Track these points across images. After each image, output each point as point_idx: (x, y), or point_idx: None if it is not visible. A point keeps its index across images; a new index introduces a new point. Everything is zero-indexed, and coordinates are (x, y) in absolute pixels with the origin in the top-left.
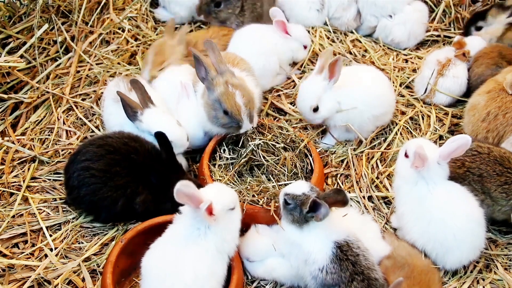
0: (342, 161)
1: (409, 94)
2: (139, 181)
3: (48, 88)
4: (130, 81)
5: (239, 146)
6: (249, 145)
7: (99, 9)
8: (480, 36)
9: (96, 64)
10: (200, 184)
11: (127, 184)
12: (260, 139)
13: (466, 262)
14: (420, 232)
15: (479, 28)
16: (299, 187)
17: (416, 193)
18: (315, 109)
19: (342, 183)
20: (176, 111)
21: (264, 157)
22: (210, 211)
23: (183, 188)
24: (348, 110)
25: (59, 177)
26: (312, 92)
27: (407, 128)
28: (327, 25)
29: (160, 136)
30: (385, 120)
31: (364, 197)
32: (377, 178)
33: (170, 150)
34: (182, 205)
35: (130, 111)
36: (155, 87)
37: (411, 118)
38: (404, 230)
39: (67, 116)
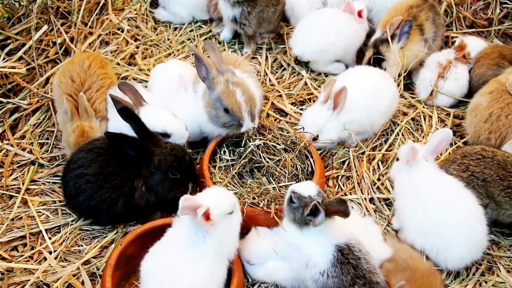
0: (343, 162)
1: (411, 96)
2: (134, 176)
3: (47, 93)
4: (119, 84)
5: (240, 147)
6: (250, 145)
7: (98, 9)
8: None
9: None
10: (188, 156)
11: (123, 182)
12: (261, 140)
13: (468, 260)
14: (418, 229)
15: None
16: (307, 189)
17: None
18: (314, 139)
19: (343, 185)
20: (174, 103)
21: (264, 158)
22: (207, 216)
23: (186, 203)
24: (357, 117)
25: (59, 179)
26: (314, 122)
27: (409, 129)
28: None
29: (123, 110)
30: (394, 107)
31: (365, 199)
32: (379, 179)
33: (138, 121)
34: (174, 174)
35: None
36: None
37: (412, 119)
38: (403, 230)
39: None
